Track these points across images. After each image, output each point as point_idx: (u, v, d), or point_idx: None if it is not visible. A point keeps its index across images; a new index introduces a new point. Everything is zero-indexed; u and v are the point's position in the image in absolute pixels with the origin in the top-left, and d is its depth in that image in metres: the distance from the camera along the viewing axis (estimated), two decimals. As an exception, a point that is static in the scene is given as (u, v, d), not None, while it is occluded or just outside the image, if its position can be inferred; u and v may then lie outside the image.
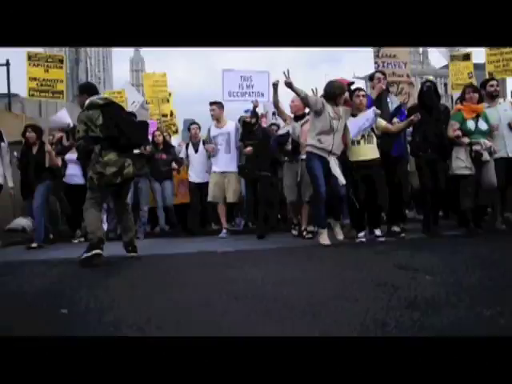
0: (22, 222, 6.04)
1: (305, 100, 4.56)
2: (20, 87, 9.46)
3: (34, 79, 6.54)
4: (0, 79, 17.58)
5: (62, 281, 3.16)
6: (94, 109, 3.99)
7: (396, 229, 5.02)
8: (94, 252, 3.76)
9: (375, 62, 6.38)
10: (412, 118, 4.64)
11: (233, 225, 7.20)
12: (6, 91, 17.92)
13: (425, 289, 2.33)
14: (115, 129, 3.93)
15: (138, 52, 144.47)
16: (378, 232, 4.73)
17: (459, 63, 8.07)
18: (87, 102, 4.06)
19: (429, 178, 4.92)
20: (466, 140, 4.86)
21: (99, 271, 3.52)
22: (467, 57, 8.13)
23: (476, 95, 5.05)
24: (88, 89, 4.30)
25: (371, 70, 6.39)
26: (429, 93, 5.03)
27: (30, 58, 6.53)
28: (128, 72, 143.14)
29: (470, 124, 4.93)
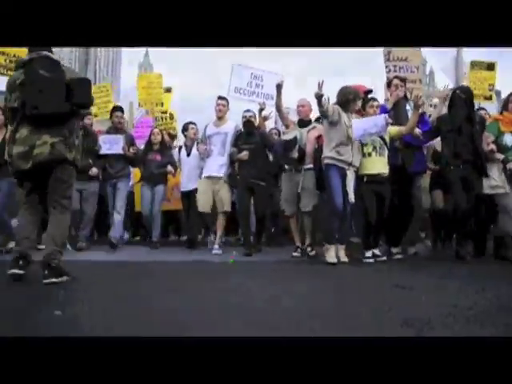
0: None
1: (325, 112, 4.29)
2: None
3: (3, 54, 5.71)
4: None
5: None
6: (19, 69, 3.04)
7: (395, 250, 4.79)
8: (10, 272, 2.93)
9: (386, 66, 6.02)
10: (419, 103, 4.28)
11: (238, 238, 6.65)
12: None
13: (420, 308, 2.33)
14: (31, 93, 2.85)
15: (148, 57, 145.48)
16: (376, 251, 4.58)
17: (481, 72, 7.05)
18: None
19: (462, 195, 4.33)
20: (499, 156, 4.39)
21: (89, 277, 3.42)
22: (492, 66, 7.12)
23: None
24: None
25: (378, 83, 6.24)
26: (460, 100, 4.49)
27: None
28: (136, 76, 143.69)
29: (508, 138, 4.43)
